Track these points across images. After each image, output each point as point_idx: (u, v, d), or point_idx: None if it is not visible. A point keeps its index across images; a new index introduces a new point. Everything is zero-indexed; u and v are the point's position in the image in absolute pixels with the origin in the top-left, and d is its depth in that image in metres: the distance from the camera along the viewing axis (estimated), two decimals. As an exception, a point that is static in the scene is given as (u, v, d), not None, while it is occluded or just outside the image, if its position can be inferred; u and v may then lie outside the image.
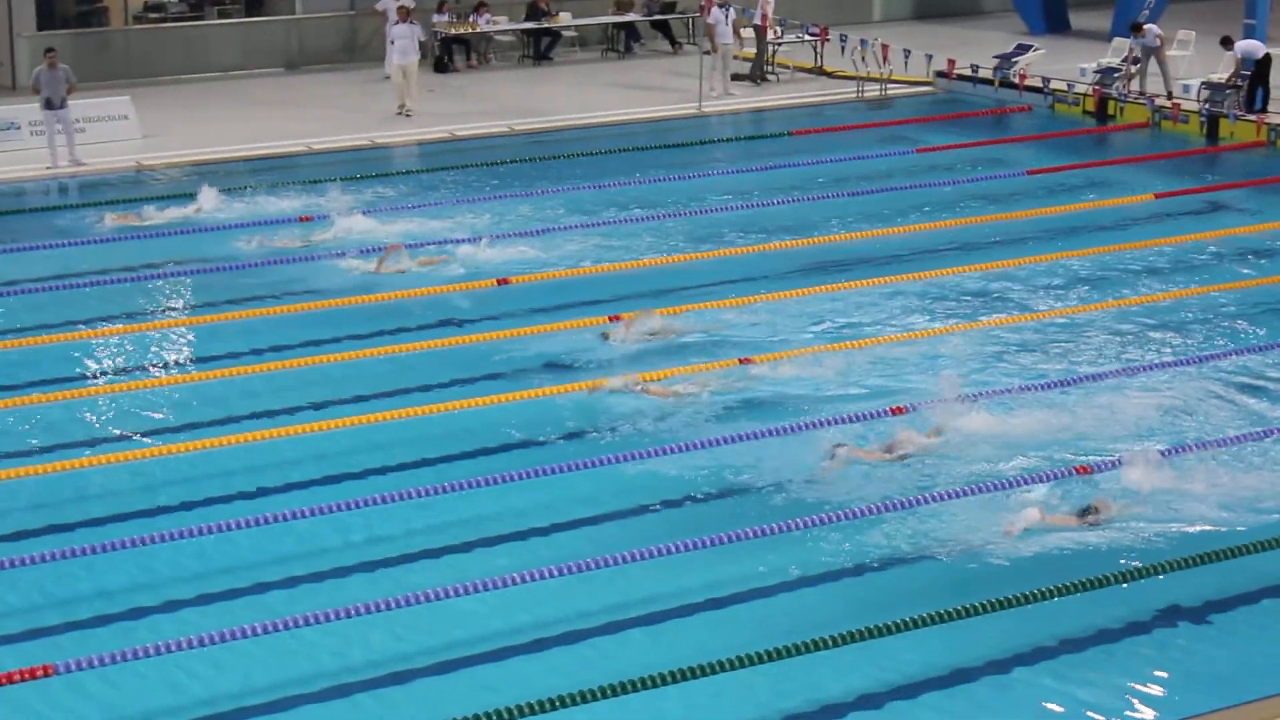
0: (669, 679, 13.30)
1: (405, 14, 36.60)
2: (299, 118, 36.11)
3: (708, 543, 15.59)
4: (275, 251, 25.89)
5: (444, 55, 41.76)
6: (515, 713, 12.83)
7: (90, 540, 15.93)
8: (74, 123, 31.93)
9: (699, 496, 17.27)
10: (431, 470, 17.95)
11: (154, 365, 21.60)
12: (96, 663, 13.59)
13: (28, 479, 17.55)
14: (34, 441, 18.90)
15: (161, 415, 19.77)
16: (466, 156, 32.77)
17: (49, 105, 31.53)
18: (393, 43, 36.57)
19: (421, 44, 36.95)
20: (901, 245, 26.27)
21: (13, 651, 14.25)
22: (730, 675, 13.52)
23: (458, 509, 16.87)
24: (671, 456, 17.86)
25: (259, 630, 14.09)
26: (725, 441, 18.13)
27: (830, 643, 13.85)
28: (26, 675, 13.32)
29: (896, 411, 18.75)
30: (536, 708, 12.90)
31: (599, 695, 13.13)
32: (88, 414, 19.78)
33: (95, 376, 21.13)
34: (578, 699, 13.05)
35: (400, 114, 36.04)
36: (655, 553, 15.41)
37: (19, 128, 33.28)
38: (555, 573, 15.03)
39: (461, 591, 14.68)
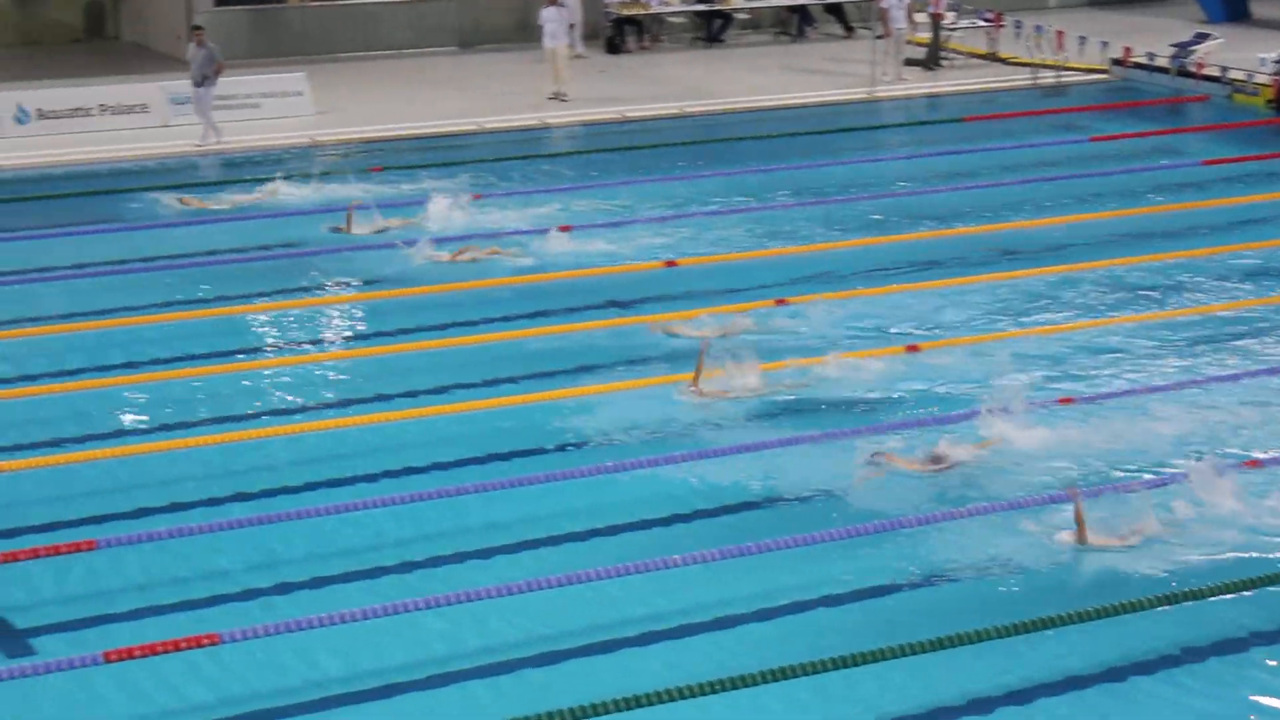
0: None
1: None
2: (470, 96, 36.32)
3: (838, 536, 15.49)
4: (444, 228, 25.95)
5: (615, 36, 41.83)
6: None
7: (209, 519, 16.09)
8: (211, 106, 31.92)
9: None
10: (559, 456, 17.79)
11: (303, 342, 21.70)
12: (252, 634, 13.67)
13: (158, 453, 17.74)
14: (185, 415, 18.95)
15: (293, 394, 19.79)
16: (637, 138, 32.81)
17: (195, 83, 31.94)
18: (542, 26, 36.45)
19: (572, 26, 36.67)
20: (1074, 234, 25.95)
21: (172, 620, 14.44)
22: (857, 670, 13.31)
23: (572, 497, 16.70)
24: (812, 445, 17.66)
25: (379, 612, 13.95)
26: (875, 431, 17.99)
27: (948, 643, 13.50)
28: (193, 643, 13.47)
29: (1065, 402, 18.52)
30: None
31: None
32: (218, 391, 19.71)
33: (243, 353, 21.17)
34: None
35: (555, 99, 35.88)
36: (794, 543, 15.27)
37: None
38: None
39: (584, 579, 14.57)
